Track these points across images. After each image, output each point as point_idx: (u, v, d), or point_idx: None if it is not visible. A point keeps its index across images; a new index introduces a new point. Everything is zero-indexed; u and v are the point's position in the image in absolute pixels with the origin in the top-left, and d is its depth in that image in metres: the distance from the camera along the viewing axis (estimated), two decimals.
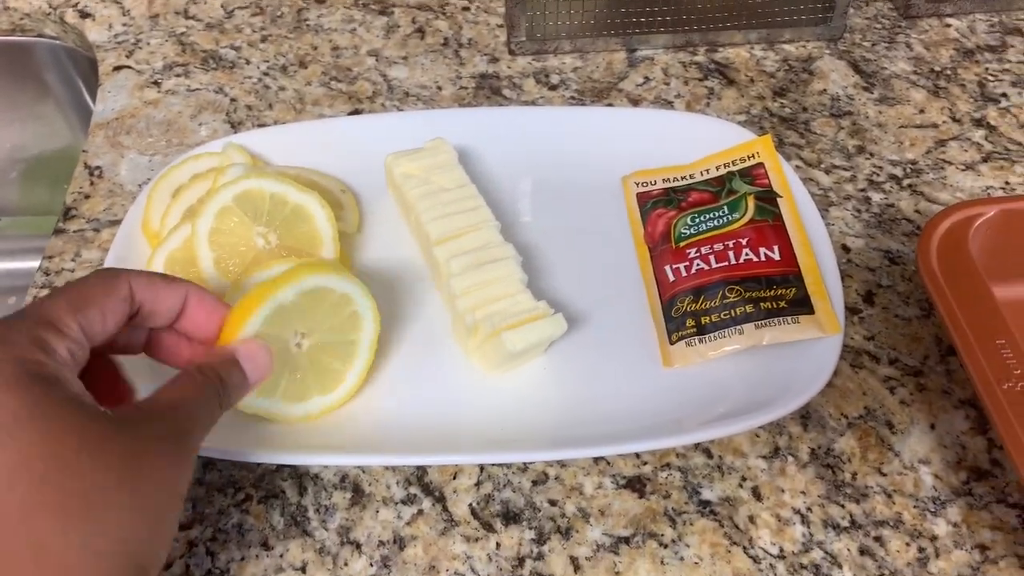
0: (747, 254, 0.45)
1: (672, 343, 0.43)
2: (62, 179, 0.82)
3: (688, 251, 0.46)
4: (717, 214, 0.47)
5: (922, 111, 0.56)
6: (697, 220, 0.47)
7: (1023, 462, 0.34)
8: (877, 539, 0.39)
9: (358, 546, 0.39)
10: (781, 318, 0.42)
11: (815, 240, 0.45)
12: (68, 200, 0.53)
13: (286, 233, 0.44)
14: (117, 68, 0.61)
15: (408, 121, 0.54)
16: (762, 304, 0.43)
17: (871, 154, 0.54)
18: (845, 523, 0.39)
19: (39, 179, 0.81)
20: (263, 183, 0.45)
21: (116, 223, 0.51)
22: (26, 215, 0.83)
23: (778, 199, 0.47)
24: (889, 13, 0.63)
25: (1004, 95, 0.57)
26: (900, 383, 0.44)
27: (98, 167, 0.55)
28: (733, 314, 0.43)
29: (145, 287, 0.34)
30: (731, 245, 0.45)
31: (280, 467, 0.41)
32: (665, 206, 0.49)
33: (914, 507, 0.40)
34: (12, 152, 0.77)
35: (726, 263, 0.45)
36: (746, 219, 0.46)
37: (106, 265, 0.45)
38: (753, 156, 0.49)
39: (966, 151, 0.54)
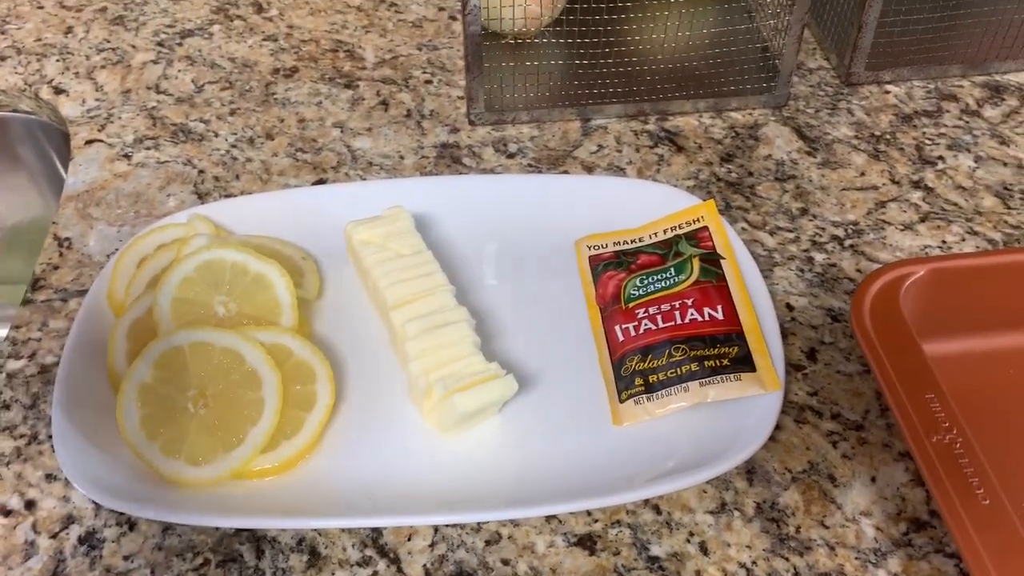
0: (692, 314, 0.47)
1: (622, 401, 0.45)
2: (36, 249, 0.83)
3: (637, 311, 0.48)
4: (664, 275, 0.49)
5: (863, 174, 0.59)
6: (645, 281, 0.49)
7: (952, 514, 0.36)
8: None
9: None
10: (724, 376, 0.44)
11: (756, 300, 0.47)
12: (37, 271, 0.54)
13: (246, 301, 0.46)
14: (89, 142, 0.63)
15: (369, 190, 0.56)
16: (706, 362, 0.45)
17: (814, 216, 0.56)
18: (789, 575, 0.40)
19: (14, 250, 0.82)
20: (224, 253, 0.46)
21: (84, 293, 0.53)
22: (1, 284, 0.84)
23: (721, 260, 0.49)
24: (832, 80, 0.66)
25: (940, 158, 0.60)
26: (842, 437, 0.45)
27: (67, 238, 0.56)
28: (679, 372, 0.44)
29: None
30: (677, 305, 0.47)
31: (238, 531, 0.42)
32: (616, 268, 0.51)
33: (856, 559, 0.41)
34: None
35: (672, 323, 0.46)
36: (691, 280, 0.48)
37: (71, 334, 0.46)
38: (698, 220, 0.51)
39: (905, 212, 0.56)
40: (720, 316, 0.46)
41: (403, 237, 0.49)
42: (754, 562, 0.41)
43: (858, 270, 0.53)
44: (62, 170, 0.72)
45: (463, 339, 0.45)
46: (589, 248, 0.52)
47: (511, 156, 0.61)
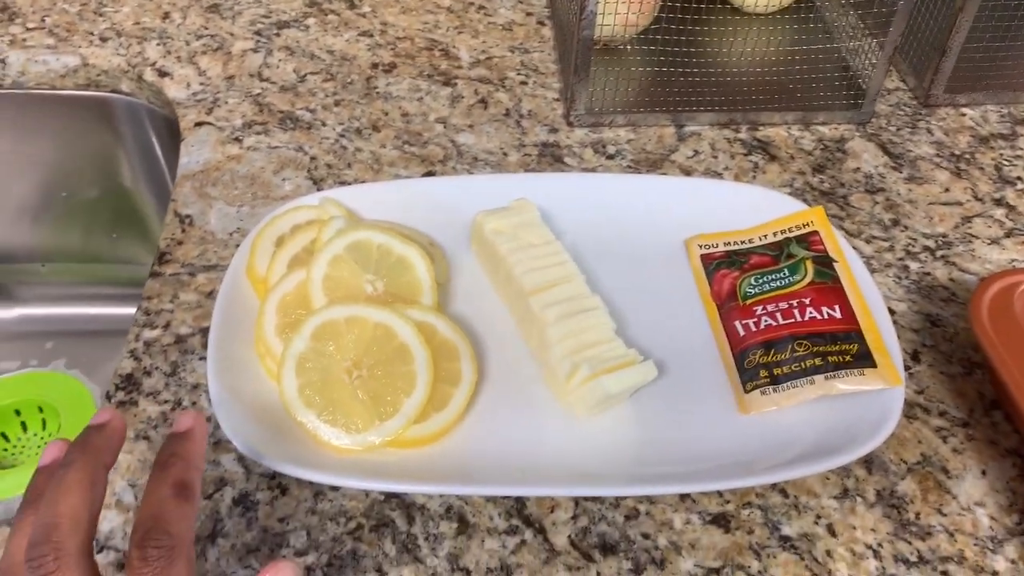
0: (811, 312, 0.49)
1: (747, 391, 0.47)
2: (103, 226, 0.84)
3: (755, 308, 0.50)
4: (779, 275, 0.52)
5: (947, 190, 0.62)
6: (761, 280, 0.52)
7: None
8: (944, 573, 0.42)
9: (468, 572, 0.41)
10: (848, 370, 0.46)
11: (870, 301, 0.50)
12: (162, 245, 0.56)
13: (391, 281, 0.48)
14: (199, 124, 0.64)
15: (483, 184, 0.58)
16: (829, 358, 0.47)
17: (905, 227, 0.59)
18: (914, 558, 0.43)
19: (73, 221, 0.82)
20: (371, 235, 0.48)
21: (209, 268, 0.54)
22: (65, 261, 0.85)
23: (834, 263, 0.52)
24: (910, 101, 0.69)
25: (1019, 178, 0.63)
26: (951, 433, 0.48)
27: (188, 215, 0.58)
28: (803, 366, 0.47)
29: None
30: (795, 304, 0.50)
31: (388, 498, 0.44)
32: (728, 267, 0.53)
33: (975, 544, 0.43)
34: (67, 199, 0.79)
35: (792, 320, 0.49)
36: (807, 281, 0.51)
37: (216, 307, 0.48)
38: (807, 224, 0.54)
39: (989, 227, 0.59)
40: (838, 315, 0.49)
41: (532, 227, 0.51)
42: (879, 544, 0.43)
43: (951, 279, 0.56)
44: (158, 150, 0.73)
45: (602, 324, 0.47)
46: (700, 247, 0.55)
47: (610, 157, 0.63)
